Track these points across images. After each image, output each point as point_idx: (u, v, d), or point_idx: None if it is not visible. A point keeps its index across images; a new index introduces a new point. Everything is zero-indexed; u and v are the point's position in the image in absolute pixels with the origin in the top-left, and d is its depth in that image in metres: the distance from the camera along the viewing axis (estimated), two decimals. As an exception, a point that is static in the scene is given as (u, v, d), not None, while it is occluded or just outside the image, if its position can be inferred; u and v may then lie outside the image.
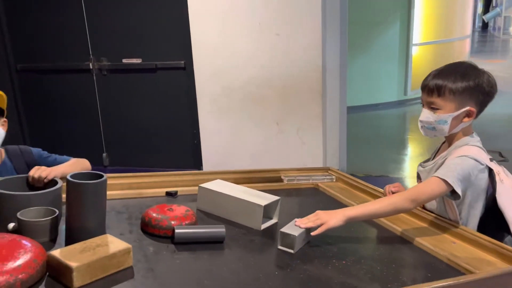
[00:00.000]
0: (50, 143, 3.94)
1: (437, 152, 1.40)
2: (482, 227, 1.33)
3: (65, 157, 1.66)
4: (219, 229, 1.12)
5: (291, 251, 1.09)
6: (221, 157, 3.39)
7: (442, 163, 1.28)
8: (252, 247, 1.15)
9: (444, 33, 6.52)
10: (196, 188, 1.38)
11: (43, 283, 0.88)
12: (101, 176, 1.03)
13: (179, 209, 1.19)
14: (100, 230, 1.03)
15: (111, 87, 3.81)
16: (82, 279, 0.87)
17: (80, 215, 1.01)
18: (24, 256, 0.88)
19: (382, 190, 1.52)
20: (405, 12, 5.94)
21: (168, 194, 1.44)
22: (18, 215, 1.04)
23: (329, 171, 1.78)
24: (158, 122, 3.76)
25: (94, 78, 3.79)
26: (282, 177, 1.67)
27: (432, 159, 1.39)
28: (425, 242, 1.21)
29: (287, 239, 1.10)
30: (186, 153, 3.68)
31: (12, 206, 1.08)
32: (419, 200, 1.23)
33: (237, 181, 1.53)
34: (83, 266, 0.87)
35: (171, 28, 3.47)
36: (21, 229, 1.02)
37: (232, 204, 1.27)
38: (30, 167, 1.49)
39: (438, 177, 1.20)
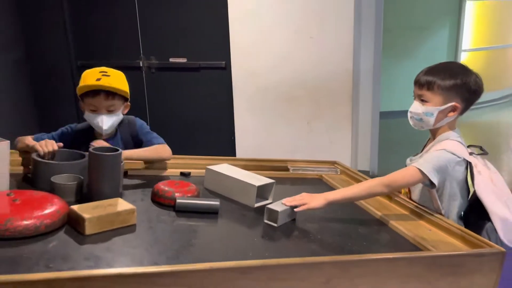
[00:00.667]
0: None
1: (424, 147, 1.51)
2: (466, 217, 1.43)
3: (157, 139, 1.75)
4: (214, 202, 1.31)
5: (275, 224, 1.26)
6: (254, 153, 3.58)
7: None
8: (243, 220, 1.33)
9: (498, 39, 6.33)
10: (202, 169, 1.59)
11: (63, 230, 1.10)
12: (117, 151, 1.26)
13: (184, 185, 1.40)
14: (114, 195, 1.25)
15: (158, 84, 4.11)
16: (93, 229, 1.09)
17: (97, 181, 1.23)
18: (50, 208, 1.11)
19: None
20: (455, 17, 5.84)
21: (182, 174, 1.65)
22: (51, 178, 1.29)
23: (335, 165, 1.92)
24: (199, 118, 4.02)
25: (144, 75, 4.11)
26: (289, 167, 1.83)
27: (420, 153, 1.50)
28: (401, 226, 1.33)
29: (272, 214, 1.27)
30: (224, 148, 3.90)
31: (47, 172, 1.32)
32: (394, 186, 1.36)
33: (246, 168, 1.71)
34: (94, 218, 1.09)
35: (214, 30, 3.71)
36: (53, 190, 1.26)
37: (232, 184, 1.46)
38: (133, 137, 1.75)
39: (415, 167, 1.32)
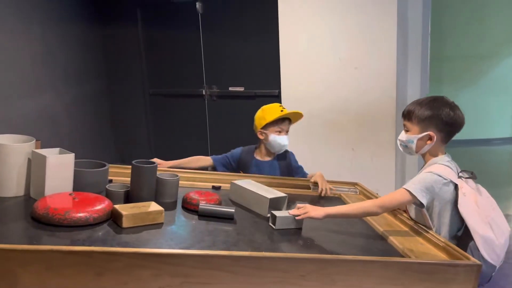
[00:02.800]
0: (168, 156, 4.77)
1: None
2: (461, 236, 1.56)
3: (303, 172, 2.31)
4: (230, 209, 1.56)
5: (274, 227, 1.49)
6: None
7: None
8: (252, 224, 1.56)
9: None
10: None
11: (107, 222, 1.42)
12: (153, 163, 1.56)
13: (209, 194, 1.67)
14: (149, 199, 1.55)
15: (218, 110, 4.49)
16: (128, 223, 1.39)
17: (137, 187, 1.54)
18: (99, 205, 1.44)
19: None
20: (523, 45, 5.69)
21: (213, 187, 1.93)
22: (107, 186, 1.62)
23: (355, 186, 2.09)
24: (254, 142, 4.31)
25: (206, 102, 4.52)
26: (310, 186, 2.04)
27: None
28: (396, 240, 1.48)
29: (273, 218, 1.50)
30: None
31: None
32: (386, 206, 1.52)
33: (269, 185, 1.95)
34: (129, 215, 1.39)
35: (268, 61, 4.02)
36: (107, 194, 1.59)
37: (250, 195, 1.70)
38: (288, 168, 2.28)
39: (404, 188, 1.49)
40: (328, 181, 2.09)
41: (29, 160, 1.59)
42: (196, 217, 1.56)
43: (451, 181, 1.52)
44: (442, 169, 1.53)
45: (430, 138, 1.58)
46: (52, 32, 4.17)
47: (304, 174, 2.30)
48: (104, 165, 1.71)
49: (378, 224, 1.64)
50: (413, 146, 1.60)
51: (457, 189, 1.52)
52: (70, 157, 1.58)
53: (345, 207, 1.59)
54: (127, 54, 4.92)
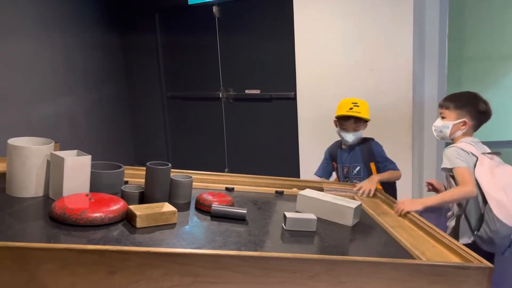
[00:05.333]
0: (185, 157, 4.84)
1: None
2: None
3: (390, 163, 2.43)
4: (242, 210, 1.58)
5: (284, 227, 1.50)
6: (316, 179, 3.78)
7: None
8: (263, 225, 1.58)
9: None
10: (247, 186, 1.87)
11: (122, 223, 1.45)
12: (167, 165, 1.60)
13: (222, 196, 1.69)
14: (163, 200, 1.58)
15: (235, 113, 4.53)
16: (142, 223, 1.42)
17: (151, 188, 1.58)
18: (114, 206, 1.47)
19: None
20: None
21: (227, 189, 1.95)
22: (122, 188, 1.66)
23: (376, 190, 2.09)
24: (269, 144, 4.33)
25: (223, 105, 4.56)
26: (324, 188, 2.04)
27: None
28: (407, 242, 1.48)
29: (284, 218, 1.52)
30: (289, 172, 4.16)
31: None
32: (469, 181, 1.83)
33: (284, 187, 1.96)
34: (143, 215, 1.43)
35: (284, 64, 4.05)
36: (122, 196, 1.63)
37: (328, 206, 1.67)
38: (369, 155, 2.41)
39: (456, 167, 1.87)
40: (340, 183, 2.09)
41: (48, 162, 1.64)
42: (208, 218, 1.59)
43: (472, 153, 1.87)
44: (463, 145, 1.90)
45: (464, 123, 1.94)
46: (72, 37, 4.28)
47: (386, 167, 2.39)
48: (120, 167, 1.75)
49: (390, 226, 1.64)
50: (448, 131, 1.97)
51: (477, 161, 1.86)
52: (87, 159, 1.62)
53: (440, 196, 1.90)
54: (145, 58, 5.00)
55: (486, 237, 1.83)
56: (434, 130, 2.03)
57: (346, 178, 2.46)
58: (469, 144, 1.91)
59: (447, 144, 2.04)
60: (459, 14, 5.43)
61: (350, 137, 2.41)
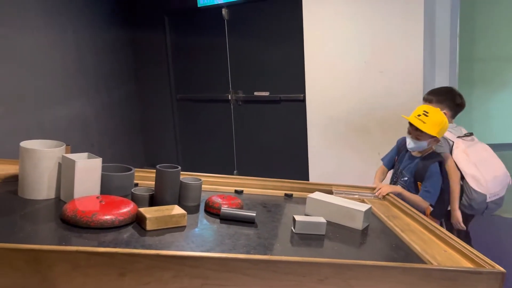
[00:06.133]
0: (195, 159, 4.86)
1: None
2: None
3: (426, 191, 2.26)
4: (251, 213, 1.58)
5: (293, 230, 1.50)
6: (325, 180, 3.77)
7: None
8: (273, 228, 1.58)
9: None
10: (256, 189, 1.87)
11: (132, 225, 1.46)
12: (177, 167, 1.60)
13: (231, 198, 1.69)
14: (173, 202, 1.59)
15: (244, 115, 4.54)
16: (152, 226, 1.43)
17: (161, 190, 1.59)
18: (124, 208, 1.49)
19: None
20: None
21: (236, 191, 1.96)
22: (132, 190, 1.67)
23: (388, 195, 2.08)
24: (278, 146, 4.33)
25: (232, 107, 4.57)
26: (333, 190, 2.03)
27: None
28: (418, 246, 1.47)
29: (293, 221, 1.51)
30: (298, 174, 4.16)
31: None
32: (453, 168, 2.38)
33: (292, 189, 1.96)
34: (153, 218, 1.43)
35: (293, 66, 4.05)
36: (132, 198, 1.64)
37: (337, 210, 1.66)
38: (424, 171, 2.27)
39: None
40: (349, 186, 2.08)
41: (59, 165, 1.66)
42: (218, 220, 1.59)
43: (446, 139, 2.37)
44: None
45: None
46: (83, 39, 4.32)
47: (420, 191, 2.27)
48: (130, 169, 1.76)
49: (400, 229, 1.63)
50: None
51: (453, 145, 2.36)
52: (97, 162, 1.64)
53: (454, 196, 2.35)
54: (155, 60, 5.04)
55: (466, 204, 2.34)
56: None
57: (395, 178, 2.44)
58: (447, 132, 2.34)
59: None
60: (469, 15, 5.38)
61: (410, 144, 2.31)
